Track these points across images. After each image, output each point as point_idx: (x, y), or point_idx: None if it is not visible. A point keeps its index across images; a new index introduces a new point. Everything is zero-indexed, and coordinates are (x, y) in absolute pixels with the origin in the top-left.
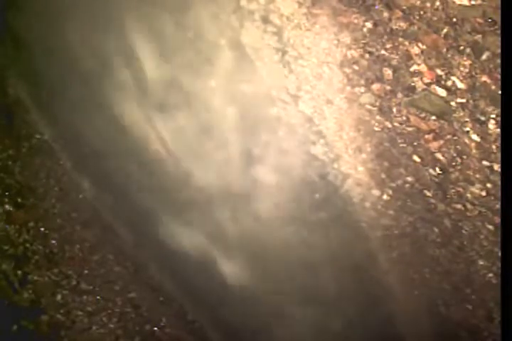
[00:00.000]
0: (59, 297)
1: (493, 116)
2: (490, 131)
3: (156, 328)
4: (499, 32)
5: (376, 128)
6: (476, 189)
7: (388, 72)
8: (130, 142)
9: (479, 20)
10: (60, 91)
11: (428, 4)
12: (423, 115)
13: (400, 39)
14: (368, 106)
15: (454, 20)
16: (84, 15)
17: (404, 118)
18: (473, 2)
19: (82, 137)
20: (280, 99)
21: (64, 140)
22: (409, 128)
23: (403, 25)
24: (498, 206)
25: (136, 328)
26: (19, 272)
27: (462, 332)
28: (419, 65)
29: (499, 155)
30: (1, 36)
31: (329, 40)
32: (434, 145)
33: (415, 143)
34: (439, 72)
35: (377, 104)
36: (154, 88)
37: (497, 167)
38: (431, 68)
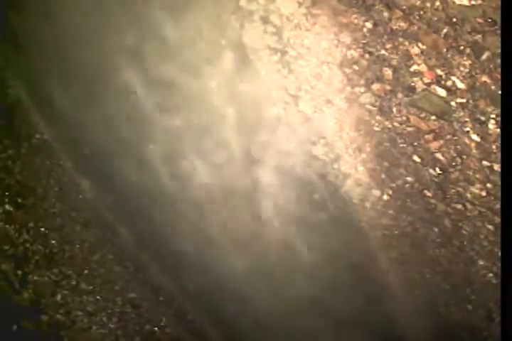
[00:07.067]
0: (59, 297)
1: (493, 116)
2: (490, 131)
3: (156, 328)
4: (499, 32)
5: (376, 128)
6: (476, 189)
7: (388, 72)
8: (130, 142)
9: (479, 20)
10: (60, 91)
11: (428, 4)
12: (423, 115)
13: (400, 39)
14: (368, 106)
15: (454, 20)
16: (85, 15)
17: (404, 118)
18: (473, 2)
19: (82, 137)
20: (280, 99)
21: (64, 140)
22: (409, 128)
23: (403, 25)
24: (498, 206)
25: (136, 328)
26: (19, 272)
27: (462, 332)
28: (419, 64)
29: (499, 155)
30: (1, 36)
31: (329, 40)
32: (434, 145)
33: (415, 143)
34: (439, 72)
35: (377, 104)
36: (154, 88)
37: (497, 167)
38: (431, 68)
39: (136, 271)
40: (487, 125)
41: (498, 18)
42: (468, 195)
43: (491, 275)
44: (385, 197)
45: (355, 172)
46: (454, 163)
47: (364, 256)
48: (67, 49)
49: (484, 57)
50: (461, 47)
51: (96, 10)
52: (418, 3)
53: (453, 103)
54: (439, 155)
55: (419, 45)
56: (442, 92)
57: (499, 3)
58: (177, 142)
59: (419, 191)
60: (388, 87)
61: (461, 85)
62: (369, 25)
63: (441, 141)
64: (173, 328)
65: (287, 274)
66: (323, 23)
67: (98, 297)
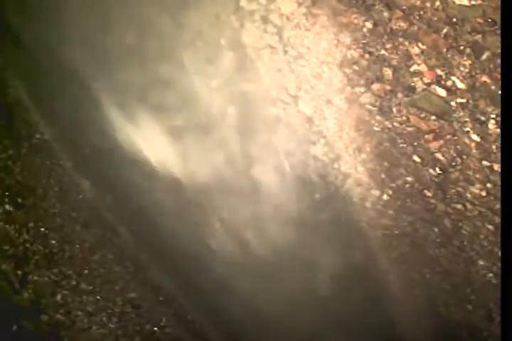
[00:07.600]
0: (59, 297)
1: (493, 116)
2: (490, 131)
3: (156, 328)
4: (499, 32)
5: (376, 128)
6: (476, 189)
7: (388, 72)
8: (130, 142)
9: (479, 20)
10: (60, 91)
11: (428, 4)
12: (423, 115)
13: (400, 39)
14: (368, 106)
15: (454, 20)
16: (85, 15)
17: (404, 118)
18: (473, 2)
19: (82, 137)
20: (280, 99)
21: (64, 140)
22: (409, 128)
23: (403, 25)
24: (498, 206)
25: (136, 328)
26: (19, 272)
27: (462, 332)
28: (419, 64)
29: (499, 155)
30: (1, 36)
31: (329, 40)
32: (434, 145)
33: (415, 143)
34: (439, 72)
35: (377, 104)
36: (154, 88)
37: (497, 167)
38: (431, 68)
39: (136, 271)
40: (487, 125)
41: (498, 18)
42: (468, 195)
43: (491, 275)
44: (385, 197)
45: (355, 172)
46: (454, 163)
47: (364, 256)
48: (67, 49)
49: (484, 57)
50: (461, 47)
51: (96, 10)
52: (418, 3)
53: (453, 103)
54: (439, 155)
55: (419, 45)
56: (442, 92)
57: (499, 3)
58: (177, 142)
59: (419, 191)
60: (388, 87)
61: (461, 85)
62: (369, 25)
63: (441, 141)
64: (173, 328)
65: (287, 274)
66: (323, 23)
67: (98, 297)
